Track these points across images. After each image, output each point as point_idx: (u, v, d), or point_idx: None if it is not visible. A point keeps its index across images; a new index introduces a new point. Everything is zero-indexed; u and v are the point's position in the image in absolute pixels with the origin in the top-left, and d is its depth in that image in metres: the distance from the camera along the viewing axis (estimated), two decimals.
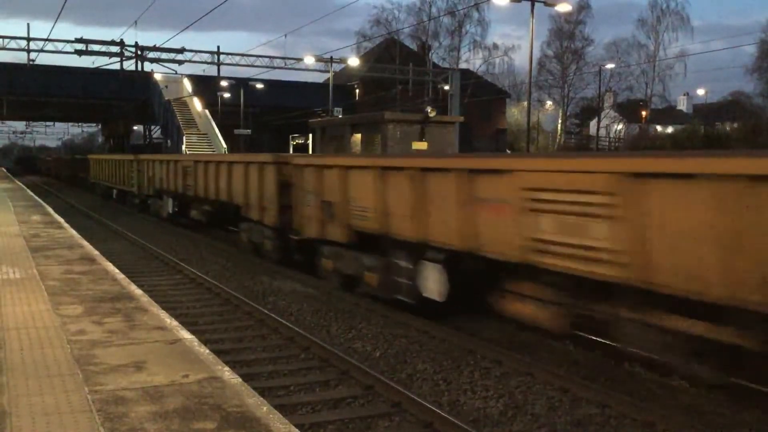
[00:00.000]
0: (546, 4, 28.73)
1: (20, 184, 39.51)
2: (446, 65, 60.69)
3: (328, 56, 45.43)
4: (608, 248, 6.79)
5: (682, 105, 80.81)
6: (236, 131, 47.46)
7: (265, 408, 4.44)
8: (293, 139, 55.92)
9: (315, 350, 8.75)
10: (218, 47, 49.43)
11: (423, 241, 9.62)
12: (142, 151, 47.51)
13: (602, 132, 61.17)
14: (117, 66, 47.05)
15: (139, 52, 46.88)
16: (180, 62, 48.06)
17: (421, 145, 28.68)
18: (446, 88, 51.67)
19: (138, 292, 8.12)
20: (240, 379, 5.03)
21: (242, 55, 49.30)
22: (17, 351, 5.56)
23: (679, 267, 6.15)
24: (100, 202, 34.97)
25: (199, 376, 4.99)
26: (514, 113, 69.67)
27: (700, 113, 70.77)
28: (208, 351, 5.74)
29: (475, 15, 62.19)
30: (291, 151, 55.05)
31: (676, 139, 53.20)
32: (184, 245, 18.77)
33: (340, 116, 42.18)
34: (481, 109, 55.72)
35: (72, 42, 44.71)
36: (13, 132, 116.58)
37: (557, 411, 6.85)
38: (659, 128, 68.27)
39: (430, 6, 62.57)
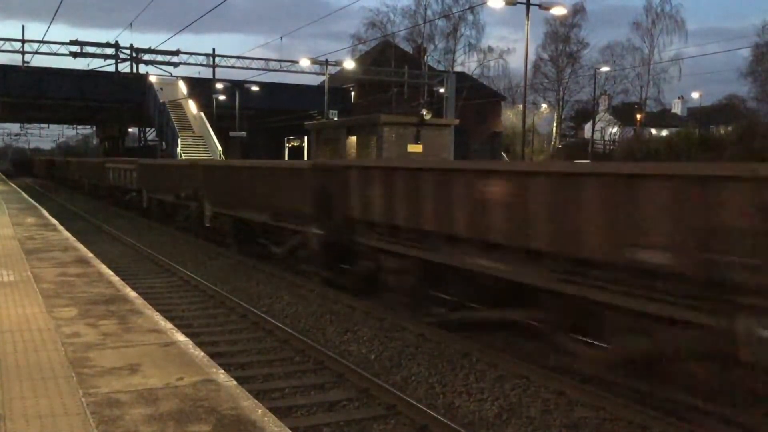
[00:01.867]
0: (541, 7, 28.78)
1: (14, 186, 39.40)
2: (441, 68, 60.79)
3: (323, 59, 45.49)
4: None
5: (677, 108, 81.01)
6: (231, 133, 47.45)
7: (260, 411, 4.43)
8: (288, 141, 55.96)
9: (310, 353, 8.74)
10: (213, 49, 49.46)
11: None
12: (138, 154, 47.33)
13: (597, 135, 61.35)
14: (112, 68, 47.12)
15: (134, 54, 46.91)
16: (175, 64, 48.17)
17: (417, 148, 28.70)
18: (441, 90, 51.75)
19: (132, 294, 8.10)
20: (235, 382, 5.02)
21: (237, 57, 49.44)
22: (11, 354, 5.54)
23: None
24: (95, 205, 34.84)
25: (193, 379, 4.98)
26: (510, 116, 69.80)
27: (694, 116, 71.00)
28: (203, 354, 5.73)
29: (470, 18, 62.32)
30: (286, 153, 55.07)
31: (670, 143, 53.35)
32: (179, 247, 18.73)
33: (336, 119, 42.22)
34: (476, 112, 55.83)
35: (67, 44, 44.75)
36: (8, 134, 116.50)
37: (552, 414, 6.85)
38: (654, 131, 68.47)
39: (425, 9, 62.67)
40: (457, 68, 62.12)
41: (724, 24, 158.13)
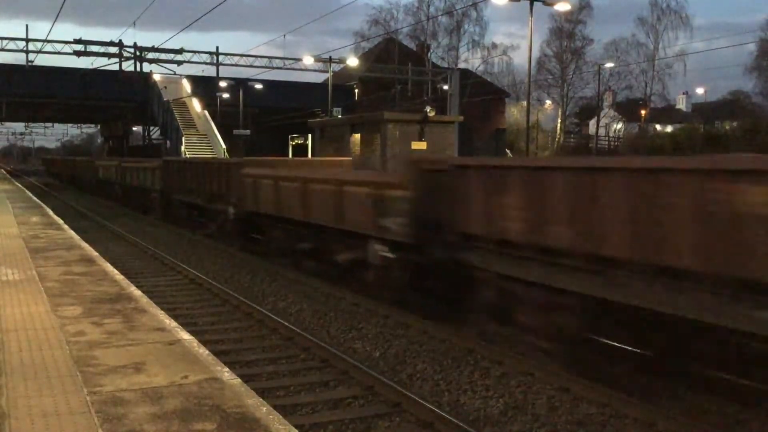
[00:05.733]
0: (545, 3, 28.67)
1: (19, 185, 39.49)
2: (445, 65, 60.68)
3: (327, 56, 45.45)
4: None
5: (681, 104, 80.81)
6: (235, 132, 47.44)
7: (264, 408, 4.43)
8: (292, 139, 55.94)
9: (315, 350, 8.73)
10: (217, 47, 49.37)
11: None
12: (141, 153, 47.31)
13: (601, 131, 61.18)
14: (116, 67, 47.10)
15: (137, 53, 46.91)
16: (179, 63, 48.10)
17: (421, 145, 28.65)
18: (445, 87, 51.65)
19: (137, 293, 8.10)
20: (239, 380, 5.02)
21: (241, 55, 49.35)
22: (16, 352, 5.55)
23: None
24: (99, 204, 34.88)
25: (198, 377, 4.98)
26: (514, 113, 69.66)
27: (699, 112, 70.84)
28: (207, 352, 5.73)
29: (474, 14, 62.19)
30: (290, 151, 55.08)
31: (675, 138, 53.21)
32: (183, 246, 18.75)
33: (340, 116, 42.18)
34: (480, 109, 55.69)
35: (71, 43, 44.76)
36: (12, 133, 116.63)
37: (558, 410, 6.84)
38: (658, 127, 68.29)
39: (428, 6, 62.58)
40: (461, 65, 62.05)
41: (734, 19, 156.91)
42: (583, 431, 6.44)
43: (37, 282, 8.52)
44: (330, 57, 45.22)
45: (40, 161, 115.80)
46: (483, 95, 56.67)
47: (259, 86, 48.89)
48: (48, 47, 44.44)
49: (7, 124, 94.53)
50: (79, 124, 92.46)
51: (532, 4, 27.36)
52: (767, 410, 6.52)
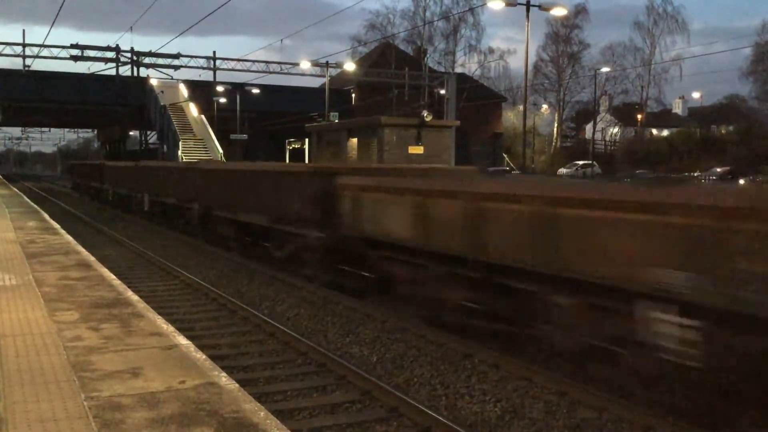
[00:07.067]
0: (541, 8, 28.78)
1: (16, 190, 39.42)
2: (442, 69, 60.83)
3: (324, 61, 45.52)
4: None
5: (678, 108, 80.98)
6: (232, 136, 47.46)
7: (262, 413, 4.43)
8: (289, 143, 55.98)
9: (312, 355, 8.73)
10: (214, 52, 49.46)
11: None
12: (138, 157, 47.29)
13: (598, 135, 61.32)
14: (113, 71, 47.14)
15: (134, 58, 46.95)
16: (176, 67, 48.18)
17: (418, 150, 28.74)
18: (442, 92, 51.75)
19: (134, 297, 8.10)
20: (237, 385, 5.02)
21: (238, 60, 49.44)
22: (13, 358, 5.54)
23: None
24: (96, 208, 34.82)
25: (195, 382, 4.98)
26: (510, 117, 69.82)
27: (695, 116, 70.99)
28: (204, 357, 5.73)
29: (470, 19, 62.48)
30: (287, 156, 55.08)
31: (671, 142, 53.36)
32: (180, 250, 18.73)
33: (337, 121, 42.23)
34: (477, 113, 55.80)
35: (68, 48, 44.82)
36: (9, 138, 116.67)
37: (555, 415, 6.84)
38: (655, 131, 68.44)
39: (425, 11, 62.79)
40: (458, 69, 62.28)
41: (731, 22, 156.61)
42: None
43: (34, 287, 8.51)
44: (327, 62, 45.35)
45: (63, 166, 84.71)
46: (480, 99, 56.80)
47: (256, 91, 48.97)
48: (45, 52, 44.54)
49: (4, 128, 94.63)
50: (75, 129, 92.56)
51: (528, 9, 27.46)
52: (763, 414, 6.53)
